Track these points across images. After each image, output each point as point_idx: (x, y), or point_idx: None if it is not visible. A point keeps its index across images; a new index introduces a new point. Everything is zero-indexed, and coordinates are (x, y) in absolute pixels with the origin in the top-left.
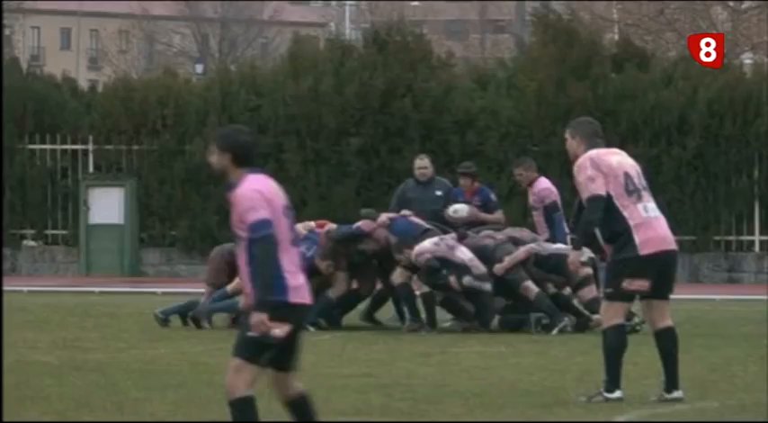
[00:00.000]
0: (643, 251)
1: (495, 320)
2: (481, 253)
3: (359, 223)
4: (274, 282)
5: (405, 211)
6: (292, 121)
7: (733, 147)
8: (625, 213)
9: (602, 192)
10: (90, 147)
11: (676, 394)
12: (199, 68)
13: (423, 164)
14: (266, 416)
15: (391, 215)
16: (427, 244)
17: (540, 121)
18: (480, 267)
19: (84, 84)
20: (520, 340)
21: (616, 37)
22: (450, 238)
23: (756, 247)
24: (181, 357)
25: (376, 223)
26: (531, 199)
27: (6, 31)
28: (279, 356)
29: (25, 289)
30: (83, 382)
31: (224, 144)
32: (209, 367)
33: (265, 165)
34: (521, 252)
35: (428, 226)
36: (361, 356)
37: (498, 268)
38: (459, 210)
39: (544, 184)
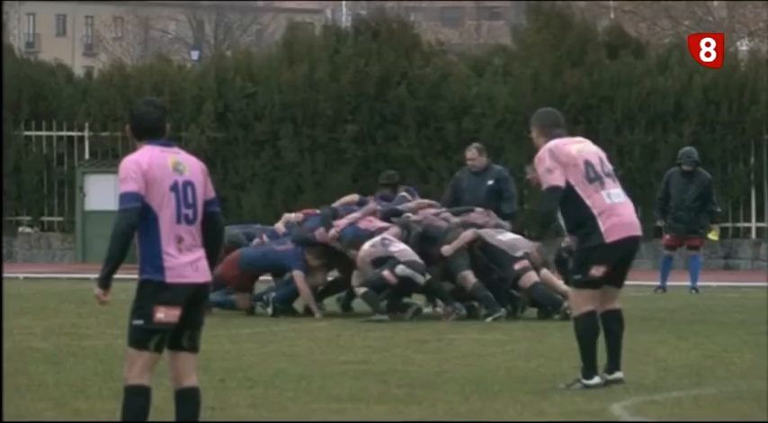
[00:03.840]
0: (609, 239)
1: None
2: (433, 233)
3: (315, 230)
4: (151, 261)
5: (353, 214)
6: (288, 108)
7: (729, 133)
8: (588, 202)
9: (559, 183)
10: (86, 133)
11: (617, 375)
12: (194, 55)
13: (470, 155)
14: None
15: (341, 225)
16: (366, 247)
17: (536, 108)
18: (413, 256)
19: (79, 70)
20: (516, 327)
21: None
22: (392, 233)
23: (753, 234)
24: None
25: (329, 236)
26: None
27: None
28: (173, 338)
29: (21, 275)
30: (79, 368)
31: (128, 116)
32: (204, 354)
33: (261, 152)
34: (467, 233)
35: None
36: (357, 343)
37: (446, 249)
38: None
39: None
